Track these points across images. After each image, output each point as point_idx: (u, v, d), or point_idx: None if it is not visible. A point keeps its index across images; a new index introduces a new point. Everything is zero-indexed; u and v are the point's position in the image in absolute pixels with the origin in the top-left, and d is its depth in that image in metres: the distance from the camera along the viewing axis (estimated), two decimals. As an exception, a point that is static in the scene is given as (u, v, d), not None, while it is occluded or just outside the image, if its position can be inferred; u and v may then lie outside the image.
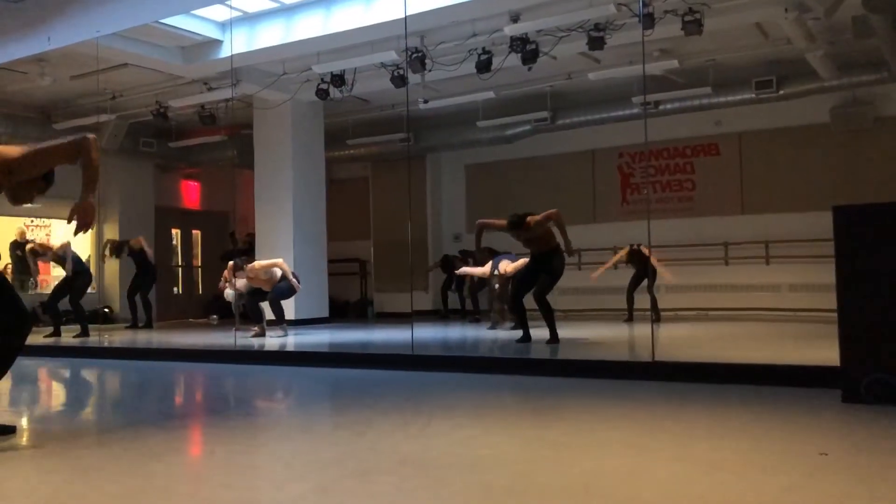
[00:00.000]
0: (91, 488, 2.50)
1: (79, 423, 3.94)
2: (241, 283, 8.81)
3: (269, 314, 8.69)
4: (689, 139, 11.43)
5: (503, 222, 6.93)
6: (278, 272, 8.47)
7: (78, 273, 9.43)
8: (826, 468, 2.60)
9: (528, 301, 6.87)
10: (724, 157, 11.31)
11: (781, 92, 9.83)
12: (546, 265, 6.79)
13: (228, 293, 9.32)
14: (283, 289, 8.51)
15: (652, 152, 11.59)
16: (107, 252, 11.21)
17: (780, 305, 10.20)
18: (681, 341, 7.19)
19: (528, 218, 6.78)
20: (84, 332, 9.16)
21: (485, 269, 9.38)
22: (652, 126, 10.01)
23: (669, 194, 11.63)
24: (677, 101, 10.40)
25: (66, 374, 6.59)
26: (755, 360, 5.23)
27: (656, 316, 9.02)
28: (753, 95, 10.00)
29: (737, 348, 6.66)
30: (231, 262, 8.83)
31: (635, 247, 9.38)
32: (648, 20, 7.60)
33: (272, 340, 8.15)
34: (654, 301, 8.85)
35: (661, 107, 10.50)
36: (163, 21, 8.29)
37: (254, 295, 8.67)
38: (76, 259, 9.51)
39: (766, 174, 10.82)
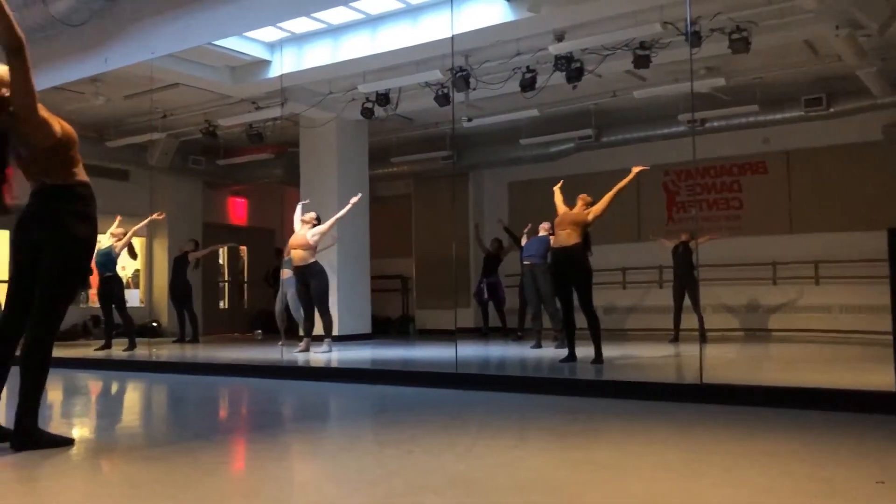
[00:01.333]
0: (146, 501, 2.55)
1: (131, 437, 4.02)
2: (290, 292, 8.92)
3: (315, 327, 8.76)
4: (736, 157, 11.30)
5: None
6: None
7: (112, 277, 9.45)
8: (882, 497, 2.54)
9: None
10: (771, 175, 11.15)
11: (832, 109, 9.68)
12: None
13: (278, 307, 9.40)
14: (324, 286, 8.49)
15: (698, 170, 11.47)
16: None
17: (831, 327, 9.99)
18: (729, 363, 7.08)
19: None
20: (131, 345, 9.31)
21: None
22: (698, 144, 9.93)
23: (716, 212, 11.49)
24: (724, 118, 10.30)
25: (116, 387, 6.73)
26: (806, 383, 5.12)
27: (703, 336, 8.88)
28: (802, 113, 9.85)
29: (786, 371, 6.54)
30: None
31: (685, 238, 9.26)
32: (695, 38, 7.55)
33: (317, 356, 8.22)
34: (701, 320, 8.73)
35: (707, 124, 10.41)
36: (214, 42, 8.50)
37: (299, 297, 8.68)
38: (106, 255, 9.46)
39: (815, 192, 10.64)
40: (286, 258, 9.53)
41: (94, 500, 2.63)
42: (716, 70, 9.25)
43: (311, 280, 8.38)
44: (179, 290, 10.92)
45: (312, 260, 8.41)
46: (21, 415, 3.19)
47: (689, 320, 9.02)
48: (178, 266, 10.98)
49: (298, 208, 8.96)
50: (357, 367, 7.05)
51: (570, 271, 6.62)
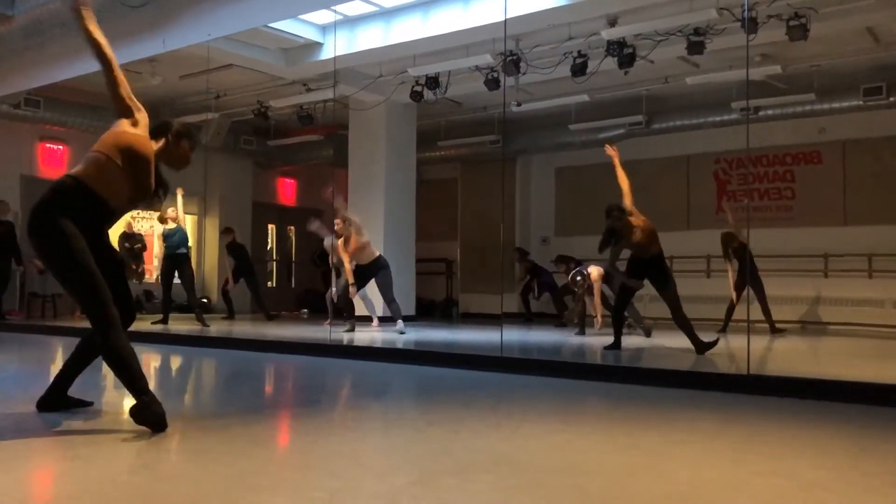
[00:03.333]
0: (204, 469, 2.66)
1: (187, 408, 4.16)
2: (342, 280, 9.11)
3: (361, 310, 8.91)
4: (790, 146, 11.09)
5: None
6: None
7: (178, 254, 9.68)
8: (936, 493, 2.51)
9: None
10: (826, 165, 10.92)
11: (892, 99, 9.43)
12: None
13: (332, 291, 9.57)
14: (390, 279, 8.72)
15: (750, 159, 11.28)
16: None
17: (884, 321, 9.79)
18: (777, 354, 7.00)
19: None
20: (203, 324, 9.45)
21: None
22: (751, 132, 9.74)
23: (768, 202, 11.31)
24: (778, 107, 10.11)
25: (170, 360, 6.94)
26: (857, 377, 5.05)
27: (771, 327, 8.83)
28: (861, 102, 9.62)
29: (837, 364, 6.44)
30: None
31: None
32: (752, 25, 7.41)
33: (365, 335, 8.35)
34: (767, 311, 8.66)
35: (760, 112, 10.23)
36: (268, 24, 8.61)
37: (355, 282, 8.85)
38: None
39: (871, 184, 10.39)
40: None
41: (157, 466, 2.75)
42: (771, 57, 9.08)
43: (379, 272, 8.69)
44: (248, 271, 11.22)
45: (377, 254, 8.71)
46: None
47: (737, 313, 8.94)
48: (240, 251, 11.17)
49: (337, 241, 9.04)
50: (402, 348, 7.14)
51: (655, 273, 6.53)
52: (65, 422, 3.44)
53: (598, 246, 6.63)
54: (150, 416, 3.14)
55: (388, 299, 8.78)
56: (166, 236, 9.62)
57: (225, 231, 11.52)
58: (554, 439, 3.30)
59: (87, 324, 3.40)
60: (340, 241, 8.67)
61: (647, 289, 6.82)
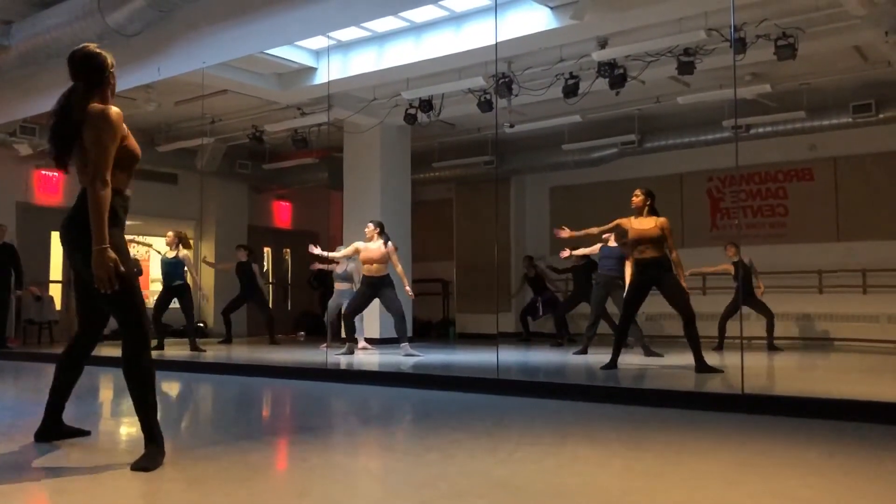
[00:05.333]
0: (203, 498, 2.67)
1: (184, 436, 4.17)
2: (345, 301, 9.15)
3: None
4: (782, 163, 11.17)
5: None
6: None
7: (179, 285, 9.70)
8: (928, 512, 2.54)
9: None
10: (818, 182, 11.00)
11: (881, 116, 9.52)
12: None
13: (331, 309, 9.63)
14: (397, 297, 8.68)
15: (743, 177, 11.37)
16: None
17: (879, 337, 9.82)
18: (772, 372, 7.02)
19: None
20: (196, 348, 9.43)
21: None
22: (743, 150, 9.84)
23: (761, 219, 11.38)
24: (769, 125, 10.20)
25: (165, 386, 6.93)
26: (852, 395, 5.08)
27: (770, 344, 8.97)
28: (850, 119, 9.71)
29: (832, 381, 6.47)
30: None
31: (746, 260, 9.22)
32: (740, 45, 7.51)
33: (361, 358, 8.35)
34: (770, 327, 8.91)
35: (752, 130, 10.32)
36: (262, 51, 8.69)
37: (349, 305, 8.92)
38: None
39: (863, 200, 10.47)
40: (339, 271, 9.76)
41: (156, 496, 2.76)
42: (761, 76, 9.18)
43: (385, 290, 8.54)
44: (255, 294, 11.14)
45: (386, 272, 8.61)
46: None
47: (730, 329, 8.99)
48: (248, 272, 11.13)
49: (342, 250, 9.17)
50: (399, 372, 7.15)
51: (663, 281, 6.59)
52: (62, 452, 3.45)
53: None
54: (152, 466, 3.08)
55: (400, 317, 8.57)
56: (162, 263, 9.68)
57: (239, 248, 11.42)
58: (549, 463, 3.32)
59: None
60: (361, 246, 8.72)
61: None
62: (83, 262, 3.21)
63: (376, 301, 8.76)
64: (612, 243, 8.59)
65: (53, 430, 3.61)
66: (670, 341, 10.35)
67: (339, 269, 9.97)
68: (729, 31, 7.47)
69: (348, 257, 9.22)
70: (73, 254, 3.32)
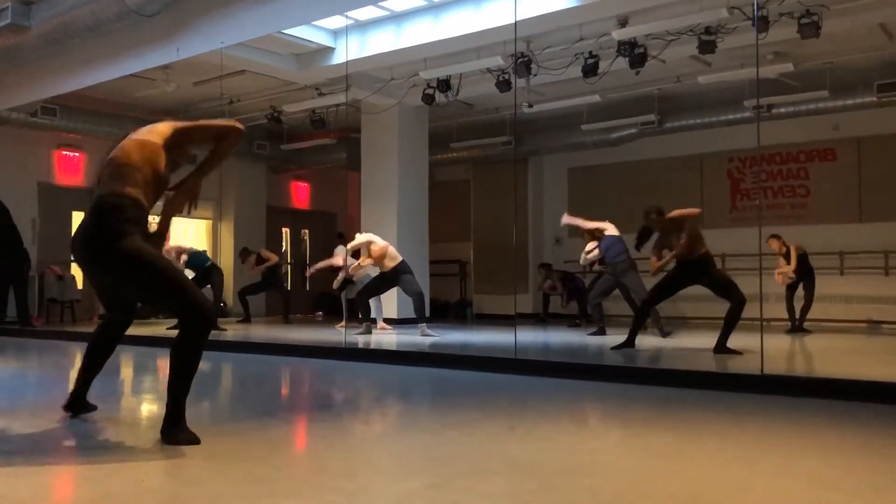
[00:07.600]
0: (222, 473, 2.70)
1: (205, 413, 4.22)
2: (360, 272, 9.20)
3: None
4: (804, 144, 11.05)
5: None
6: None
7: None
8: (949, 492, 2.52)
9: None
10: (840, 162, 10.87)
11: (907, 95, 9.37)
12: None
13: (341, 280, 9.69)
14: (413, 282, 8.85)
15: (764, 157, 11.26)
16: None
17: (901, 319, 9.73)
18: (792, 354, 6.98)
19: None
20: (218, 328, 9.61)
21: None
22: (764, 130, 9.73)
23: (782, 200, 11.27)
24: (791, 104, 10.07)
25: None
26: (872, 376, 5.04)
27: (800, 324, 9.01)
28: (875, 99, 9.57)
29: (851, 363, 6.42)
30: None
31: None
32: (762, 23, 7.40)
33: (378, 338, 8.39)
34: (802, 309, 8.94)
35: (773, 110, 10.19)
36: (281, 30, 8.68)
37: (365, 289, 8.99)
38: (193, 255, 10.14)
39: (886, 181, 10.33)
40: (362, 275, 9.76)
41: (175, 471, 2.80)
42: (784, 55, 9.05)
43: (403, 276, 8.73)
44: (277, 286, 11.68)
45: (400, 259, 8.83)
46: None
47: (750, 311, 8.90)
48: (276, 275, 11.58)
49: (349, 247, 9.27)
50: (417, 351, 7.18)
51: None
52: (85, 428, 3.50)
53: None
54: (183, 439, 3.11)
55: (422, 301, 8.79)
56: (190, 255, 10.10)
57: (243, 252, 11.60)
58: (567, 441, 3.32)
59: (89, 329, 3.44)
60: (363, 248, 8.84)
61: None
62: (103, 271, 3.24)
63: None
64: (610, 232, 8.57)
65: (78, 405, 3.68)
66: (686, 323, 10.32)
67: (361, 274, 9.86)
68: (751, 9, 7.36)
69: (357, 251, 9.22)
70: (91, 267, 3.28)
